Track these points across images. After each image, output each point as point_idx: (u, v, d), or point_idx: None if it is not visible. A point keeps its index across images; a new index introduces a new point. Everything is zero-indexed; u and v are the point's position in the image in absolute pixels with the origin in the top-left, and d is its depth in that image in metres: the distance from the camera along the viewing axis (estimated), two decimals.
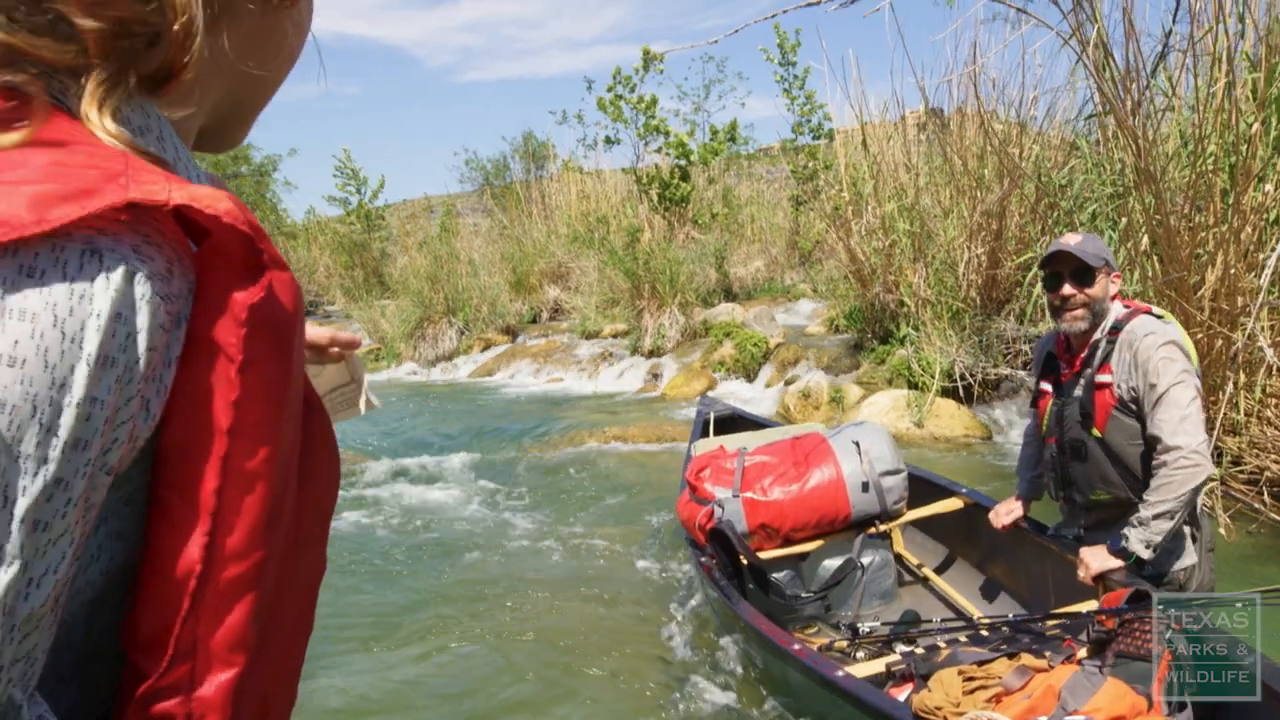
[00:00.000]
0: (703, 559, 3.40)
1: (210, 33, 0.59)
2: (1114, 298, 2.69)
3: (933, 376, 7.29)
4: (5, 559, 0.43)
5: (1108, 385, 2.61)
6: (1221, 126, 4.65)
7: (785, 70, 12.88)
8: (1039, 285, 6.58)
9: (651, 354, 10.57)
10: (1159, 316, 2.62)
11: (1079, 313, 2.64)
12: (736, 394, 8.79)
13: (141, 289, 0.47)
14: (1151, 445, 2.51)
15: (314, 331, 1.10)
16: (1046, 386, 2.87)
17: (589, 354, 11.31)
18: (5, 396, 0.43)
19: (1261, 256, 4.82)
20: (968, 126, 7.71)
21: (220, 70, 0.63)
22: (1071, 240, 2.66)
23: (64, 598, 0.48)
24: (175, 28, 0.54)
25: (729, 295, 12.22)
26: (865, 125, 8.70)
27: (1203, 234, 4.86)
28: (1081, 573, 2.65)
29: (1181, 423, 2.43)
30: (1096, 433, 2.65)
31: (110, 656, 0.54)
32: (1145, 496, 2.48)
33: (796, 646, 2.65)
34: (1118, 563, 2.56)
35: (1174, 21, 5.86)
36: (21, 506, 0.43)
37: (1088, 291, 2.62)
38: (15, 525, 0.43)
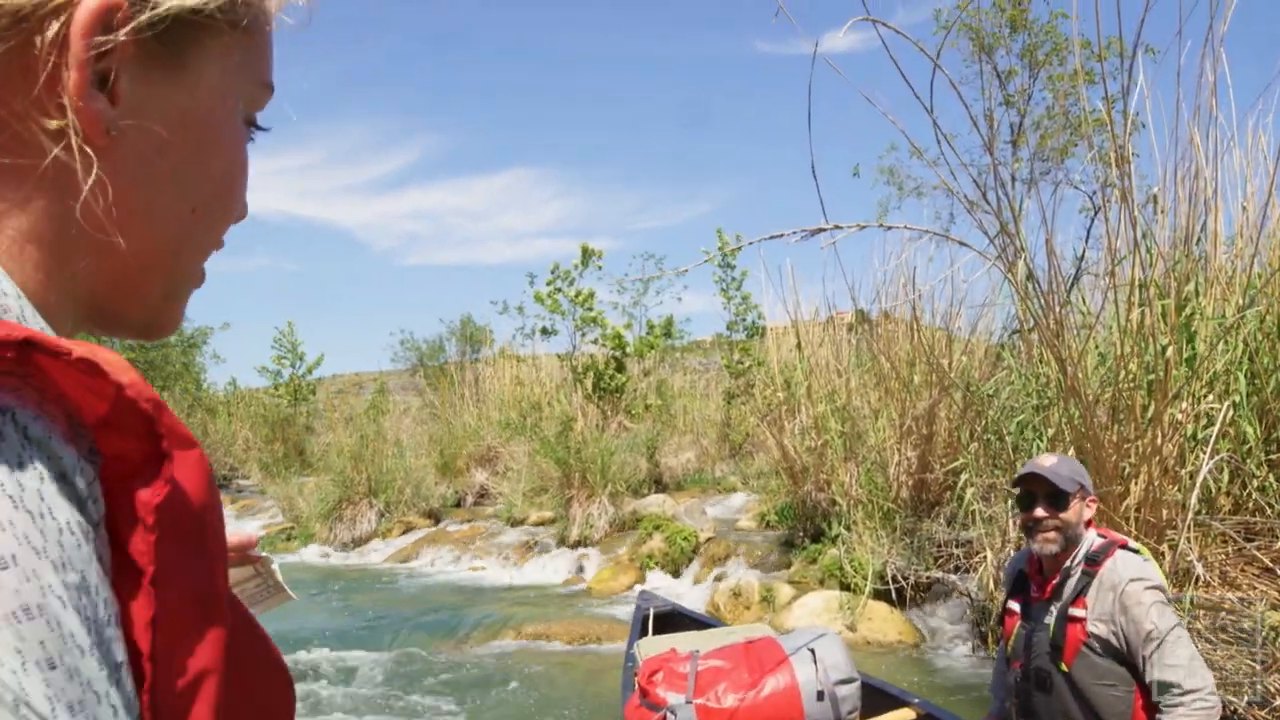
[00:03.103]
0: None
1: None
2: (1088, 524, 2.64)
3: (865, 578, 7.22)
4: None
5: (1081, 620, 2.53)
6: (1139, 348, 4.94)
7: (725, 272, 13.58)
8: (969, 491, 6.73)
9: (578, 544, 10.29)
10: (1136, 551, 2.59)
11: (1051, 535, 2.59)
12: (664, 590, 8.55)
13: (58, 459, 0.38)
14: (1162, 690, 2.41)
15: None
16: (1015, 606, 2.78)
17: (514, 541, 10.97)
18: (44, 599, 0.35)
19: (1183, 471, 5.01)
20: (896, 332, 8.07)
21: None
22: (1046, 462, 2.63)
23: None
24: None
25: (659, 485, 12.13)
26: (799, 325, 9.04)
27: (1126, 446, 5.05)
28: None
29: (1191, 661, 2.38)
30: (1064, 667, 2.55)
31: None
32: None
33: None
34: None
35: (1085, 247, 6.37)
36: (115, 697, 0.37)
37: (1061, 516, 2.58)
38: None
